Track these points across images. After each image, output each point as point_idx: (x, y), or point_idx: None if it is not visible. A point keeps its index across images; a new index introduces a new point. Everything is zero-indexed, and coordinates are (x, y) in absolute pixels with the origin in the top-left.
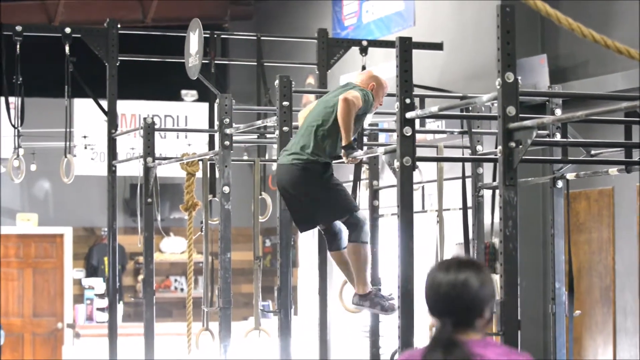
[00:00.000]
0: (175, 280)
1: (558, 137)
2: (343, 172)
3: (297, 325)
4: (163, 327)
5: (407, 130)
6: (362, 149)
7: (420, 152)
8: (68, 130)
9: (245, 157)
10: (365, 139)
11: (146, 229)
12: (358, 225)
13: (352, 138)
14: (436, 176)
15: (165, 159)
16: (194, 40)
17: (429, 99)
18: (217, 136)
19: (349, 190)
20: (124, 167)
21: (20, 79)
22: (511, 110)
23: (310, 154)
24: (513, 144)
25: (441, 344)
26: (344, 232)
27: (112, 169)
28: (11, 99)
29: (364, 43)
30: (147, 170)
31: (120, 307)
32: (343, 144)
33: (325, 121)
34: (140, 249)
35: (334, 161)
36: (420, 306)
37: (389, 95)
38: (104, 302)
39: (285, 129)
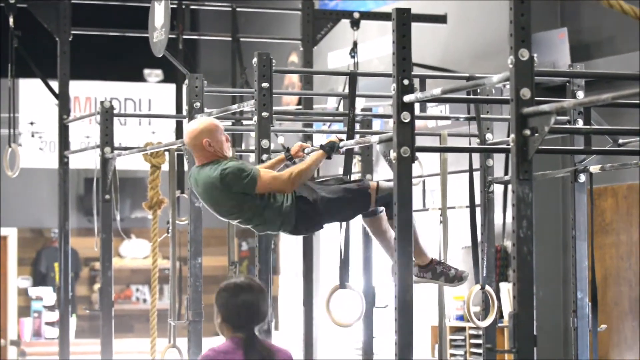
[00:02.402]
0: (137, 290)
1: (580, 124)
2: (332, 164)
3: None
4: (123, 344)
5: (405, 116)
6: (353, 138)
7: (420, 141)
8: (12, 115)
9: None
10: (357, 126)
11: (103, 230)
12: (388, 202)
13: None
14: (439, 169)
15: (125, 149)
16: (159, 12)
17: (431, 80)
18: (185, 122)
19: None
20: (78, 159)
21: None
22: (525, 92)
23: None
24: (528, 132)
25: (252, 345)
26: None
27: (63, 161)
28: None
29: (356, 15)
30: (105, 162)
31: (72, 321)
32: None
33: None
34: (96, 253)
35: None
36: (420, 319)
37: (385, 75)
38: (54, 316)
39: (264, 114)
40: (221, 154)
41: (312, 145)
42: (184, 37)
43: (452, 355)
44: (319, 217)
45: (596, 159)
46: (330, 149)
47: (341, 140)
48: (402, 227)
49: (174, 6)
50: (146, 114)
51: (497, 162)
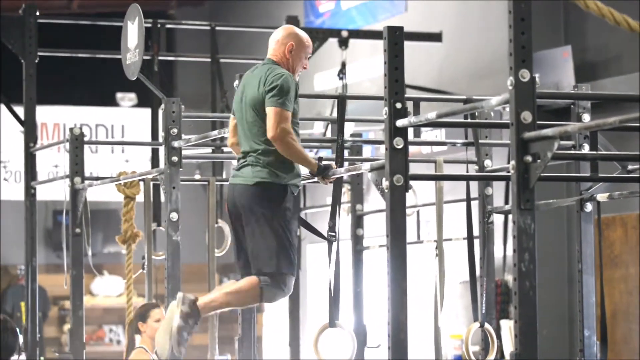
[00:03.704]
0: (111, 331)
1: (586, 149)
2: (319, 194)
3: None
4: None
5: (398, 142)
6: (342, 165)
7: (414, 168)
8: None
9: (198, 177)
10: (346, 153)
11: (74, 267)
12: (278, 283)
13: (314, 159)
14: (434, 198)
15: (97, 179)
16: (133, 31)
17: (425, 103)
18: (162, 150)
19: (327, 218)
20: (46, 190)
21: None
22: (527, 116)
23: (266, 166)
24: (529, 158)
25: None
26: None
27: (30, 192)
28: None
29: (344, 34)
30: (75, 193)
31: None
32: (309, 172)
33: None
34: (66, 291)
35: (304, 181)
36: (415, 359)
37: (376, 98)
38: (21, 359)
39: None
40: (291, 69)
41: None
42: (160, 58)
43: None
44: (271, 210)
45: (604, 186)
46: (322, 169)
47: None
48: (395, 261)
49: (149, 25)
50: (119, 141)
51: (497, 191)
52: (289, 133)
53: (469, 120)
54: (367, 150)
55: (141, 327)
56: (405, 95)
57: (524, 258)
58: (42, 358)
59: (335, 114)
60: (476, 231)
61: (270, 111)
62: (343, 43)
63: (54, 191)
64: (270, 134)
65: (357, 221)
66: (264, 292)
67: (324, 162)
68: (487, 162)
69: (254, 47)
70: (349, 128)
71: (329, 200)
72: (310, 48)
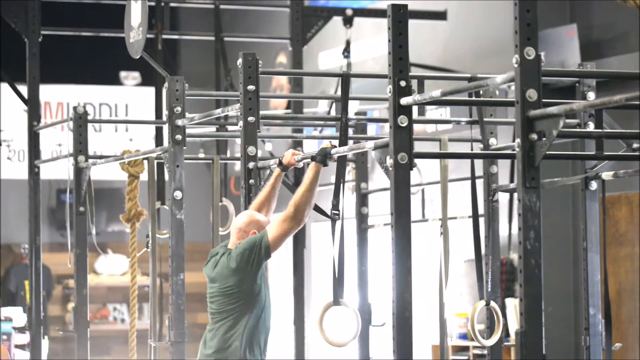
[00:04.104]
0: (115, 309)
1: (591, 127)
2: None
3: None
4: None
5: (403, 120)
6: (346, 144)
7: (418, 146)
8: None
9: (202, 155)
10: (350, 132)
11: (77, 245)
12: None
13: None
14: (439, 177)
15: (101, 157)
16: (136, 10)
17: (430, 81)
18: (165, 129)
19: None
20: (49, 169)
21: None
22: (532, 94)
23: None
24: (535, 136)
25: None
26: None
27: (34, 171)
28: None
29: (349, 12)
30: (79, 171)
31: (45, 344)
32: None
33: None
34: (70, 270)
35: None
36: (420, 338)
37: (380, 76)
38: (25, 338)
39: (250, 119)
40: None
41: (303, 152)
42: (163, 36)
43: None
44: None
45: (609, 164)
46: (323, 157)
47: (334, 146)
48: (400, 239)
49: (152, 4)
50: (123, 119)
51: (502, 169)
52: (291, 215)
53: (473, 98)
54: (371, 129)
55: None
56: (410, 74)
57: (530, 236)
58: (46, 336)
59: (339, 93)
60: (481, 209)
61: (273, 240)
62: (347, 21)
63: (57, 170)
64: (298, 225)
65: (362, 200)
66: None
67: (318, 152)
68: (492, 141)
69: (258, 26)
70: (354, 106)
71: (333, 179)
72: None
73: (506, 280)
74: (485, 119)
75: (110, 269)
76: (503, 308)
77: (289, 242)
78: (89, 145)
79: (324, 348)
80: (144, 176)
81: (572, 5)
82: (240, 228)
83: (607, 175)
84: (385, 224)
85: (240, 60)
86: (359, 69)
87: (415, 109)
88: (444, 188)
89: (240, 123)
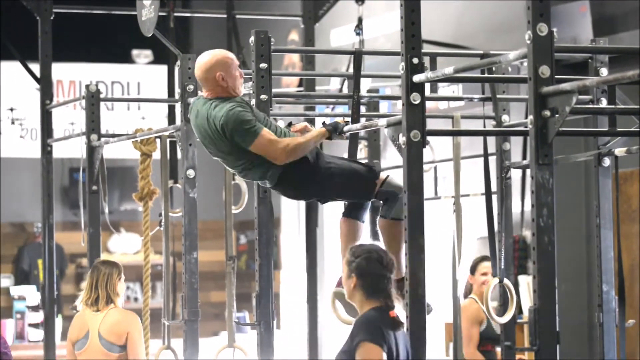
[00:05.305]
0: (128, 288)
1: (604, 104)
2: (335, 149)
3: (280, 342)
4: None
5: (415, 98)
6: (358, 121)
7: (431, 124)
8: None
9: None
10: (363, 109)
11: (91, 224)
12: (388, 198)
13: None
14: (452, 154)
15: (113, 136)
16: None
17: (442, 58)
18: (178, 107)
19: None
20: (62, 147)
21: None
22: (545, 70)
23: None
24: (547, 113)
25: None
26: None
27: (46, 150)
28: None
29: None
30: (91, 150)
31: (58, 322)
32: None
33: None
34: (83, 249)
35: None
36: (434, 316)
37: (393, 53)
38: (39, 317)
39: (263, 97)
40: (233, 91)
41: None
42: (175, 14)
43: None
44: (314, 184)
45: (622, 141)
46: (333, 129)
47: (346, 123)
48: (412, 217)
49: None
50: (135, 98)
51: (515, 146)
52: (285, 148)
53: (486, 75)
54: (383, 106)
55: (470, 279)
56: (422, 51)
57: (543, 213)
58: (59, 315)
59: (351, 70)
60: (494, 187)
61: (254, 148)
62: None
63: (70, 149)
64: (277, 162)
65: None
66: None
67: (329, 123)
68: (505, 117)
69: (270, 3)
70: (366, 84)
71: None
72: (235, 59)
73: (519, 257)
74: (497, 96)
75: (123, 247)
76: (516, 285)
77: (301, 221)
78: (102, 124)
79: (337, 326)
80: (156, 155)
81: None
82: (206, 78)
83: (620, 151)
84: None
85: (252, 38)
86: (371, 46)
87: (427, 86)
88: (457, 165)
89: (253, 101)
